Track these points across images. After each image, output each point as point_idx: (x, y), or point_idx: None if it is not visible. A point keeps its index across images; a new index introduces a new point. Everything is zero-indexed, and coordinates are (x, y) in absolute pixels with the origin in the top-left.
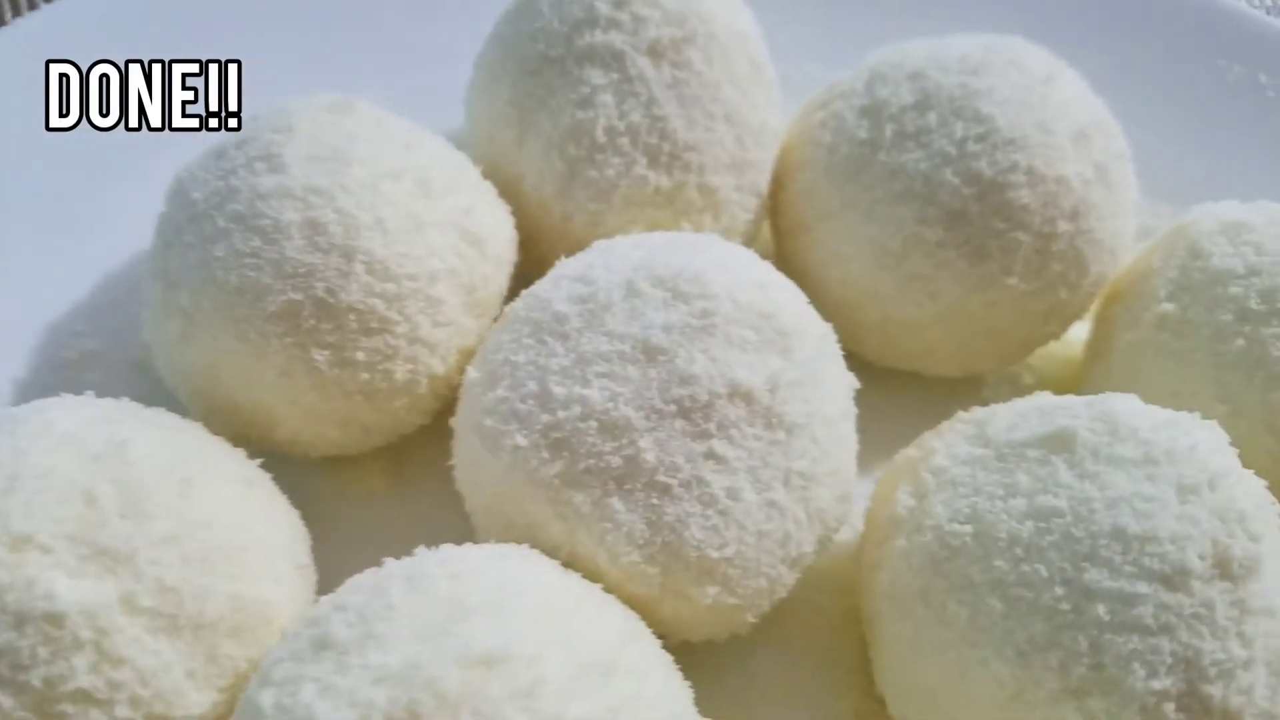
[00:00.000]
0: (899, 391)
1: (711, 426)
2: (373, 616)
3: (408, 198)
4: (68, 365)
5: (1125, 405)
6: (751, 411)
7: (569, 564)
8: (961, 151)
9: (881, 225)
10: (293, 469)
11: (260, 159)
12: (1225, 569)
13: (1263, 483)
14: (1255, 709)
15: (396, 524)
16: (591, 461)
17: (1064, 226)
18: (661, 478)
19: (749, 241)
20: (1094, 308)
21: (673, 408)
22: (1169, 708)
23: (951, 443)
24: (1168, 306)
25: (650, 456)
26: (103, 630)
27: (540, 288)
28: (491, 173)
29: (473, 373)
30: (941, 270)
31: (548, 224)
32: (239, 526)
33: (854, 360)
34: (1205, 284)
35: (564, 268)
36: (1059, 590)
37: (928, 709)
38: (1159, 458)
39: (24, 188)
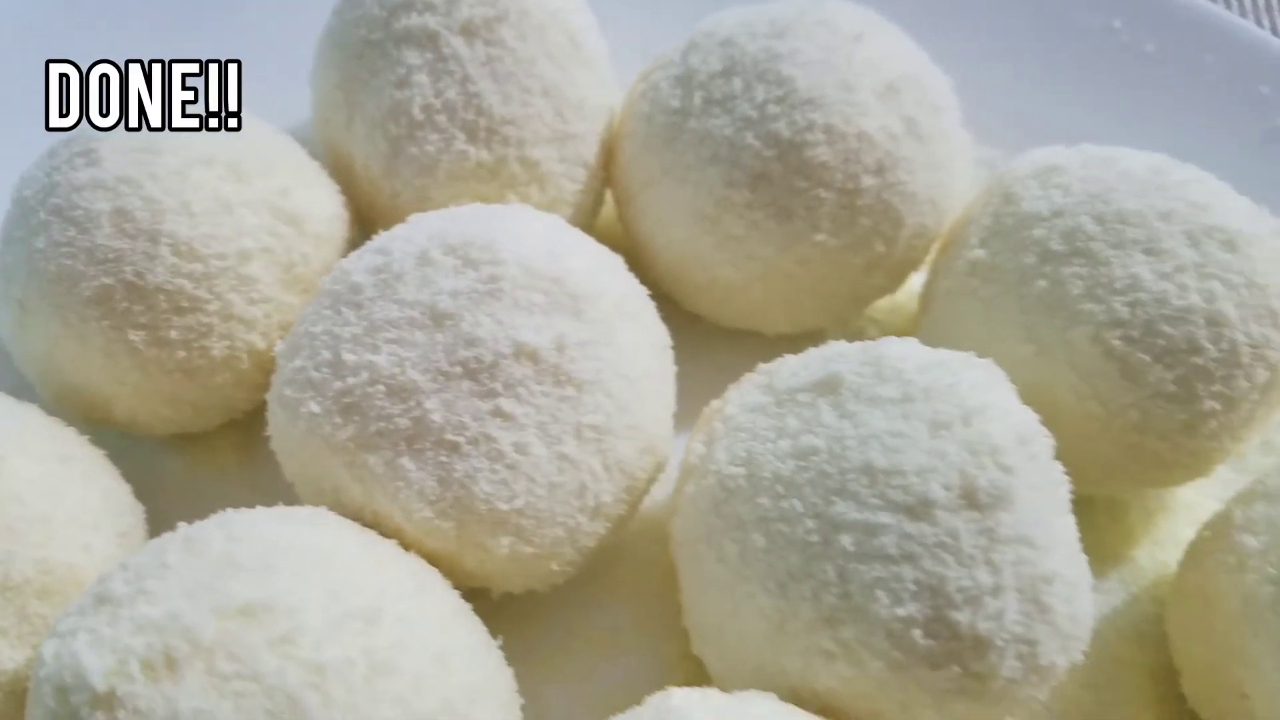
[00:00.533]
0: (742, 351)
1: (498, 386)
2: (147, 574)
3: (217, 181)
4: None
5: (896, 349)
6: (539, 370)
7: (372, 524)
8: (762, 114)
9: (695, 190)
10: (146, 449)
11: (80, 155)
12: (972, 499)
13: (1034, 418)
14: (1007, 634)
15: (247, 498)
16: (382, 424)
17: (869, 181)
18: (449, 436)
19: (584, 212)
20: (930, 258)
21: (459, 369)
22: (916, 633)
23: (745, 392)
24: (979, 252)
25: (437, 417)
26: None
27: (346, 260)
28: (329, 154)
29: (280, 345)
30: (752, 231)
31: (380, 202)
32: (49, 499)
33: (699, 322)
34: (1014, 228)
35: (373, 241)
36: (810, 523)
37: (716, 645)
38: (917, 396)
39: None
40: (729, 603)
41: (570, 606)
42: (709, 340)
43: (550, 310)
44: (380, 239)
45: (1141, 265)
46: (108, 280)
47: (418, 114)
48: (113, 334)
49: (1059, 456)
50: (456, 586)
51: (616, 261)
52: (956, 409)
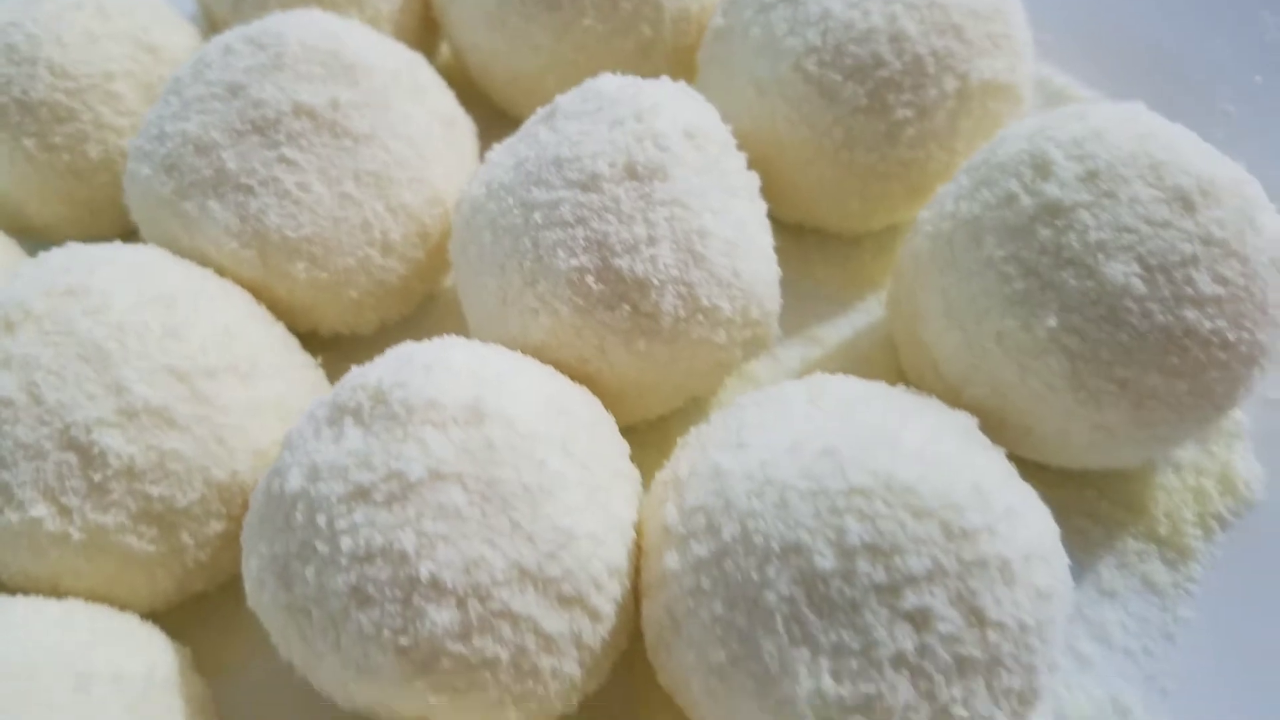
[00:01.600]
0: None
1: (281, 138)
2: (7, 284)
3: (87, 20)
4: None
5: (605, 79)
6: (316, 125)
7: (201, 264)
8: None
9: None
10: None
11: None
12: (632, 172)
13: (717, 125)
14: (663, 275)
15: None
16: (193, 176)
17: None
18: (244, 180)
19: (405, 29)
20: None
21: (249, 127)
22: (590, 279)
23: (506, 141)
24: (719, 20)
25: (233, 165)
26: None
27: None
28: (202, 7)
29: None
30: (530, 24)
31: None
32: None
33: None
34: None
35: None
36: (516, 210)
37: (480, 333)
38: (606, 106)
39: None
40: (476, 294)
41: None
42: None
43: (327, 79)
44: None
45: (833, 1)
46: (2, 99)
47: None
48: (11, 144)
49: (789, 189)
50: (293, 329)
51: (404, 50)
52: (632, 110)
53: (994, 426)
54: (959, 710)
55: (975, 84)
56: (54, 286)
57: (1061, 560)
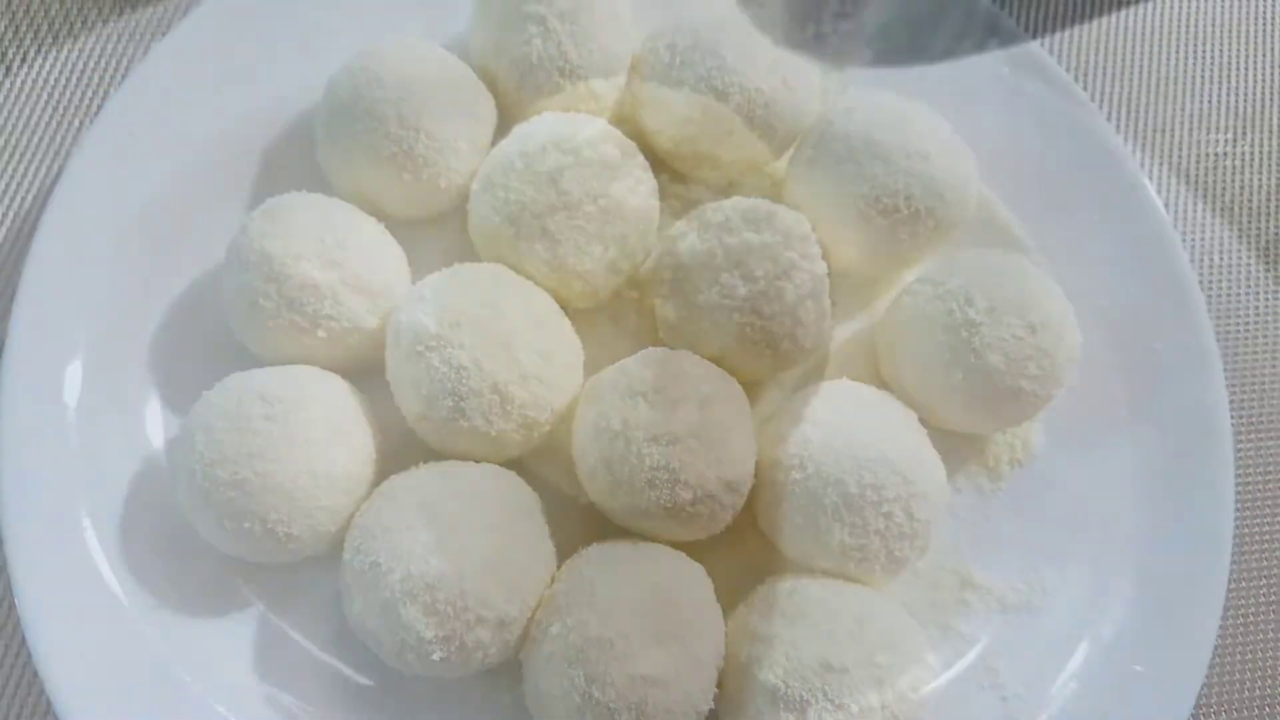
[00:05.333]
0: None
1: (579, 215)
2: (428, 290)
3: None
4: None
5: (765, 204)
6: (596, 208)
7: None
8: None
9: None
10: None
11: None
12: (784, 276)
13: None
14: (792, 331)
15: None
16: (526, 230)
17: None
18: (557, 236)
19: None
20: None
21: (561, 204)
22: (749, 330)
23: (689, 222)
24: (809, 153)
25: (551, 228)
26: None
27: None
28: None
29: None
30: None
31: None
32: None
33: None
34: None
35: None
36: (715, 290)
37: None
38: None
39: None
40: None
41: None
42: None
43: (601, 174)
44: None
45: (879, 169)
46: (392, 149)
47: None
48: (395, 175)
49: (829, 259)
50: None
51: (624, 139)
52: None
53: (923, 414)
54: (898, 554)
55: (945, 221)
56: (475, 299)
57: (946, 493)
